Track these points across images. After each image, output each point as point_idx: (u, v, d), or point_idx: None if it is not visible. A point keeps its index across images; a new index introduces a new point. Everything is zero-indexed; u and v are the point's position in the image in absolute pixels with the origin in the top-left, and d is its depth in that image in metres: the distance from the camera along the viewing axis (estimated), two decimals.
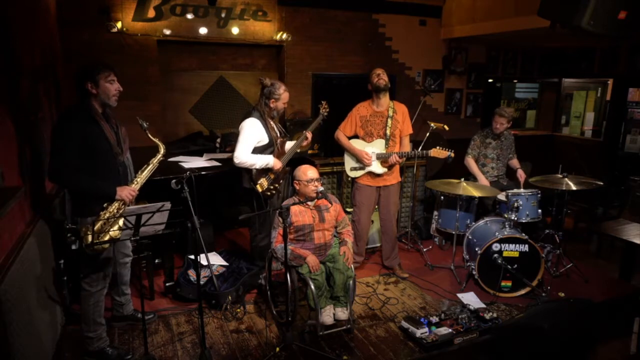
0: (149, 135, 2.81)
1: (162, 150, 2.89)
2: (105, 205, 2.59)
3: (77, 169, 2.50)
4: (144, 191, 2.82)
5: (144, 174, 2.80)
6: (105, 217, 2.54)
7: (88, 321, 2.76)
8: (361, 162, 3.83)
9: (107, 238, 2.54)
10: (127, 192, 2.64)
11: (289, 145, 3.72)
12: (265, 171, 3.53)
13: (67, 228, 2.93)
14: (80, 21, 4.38)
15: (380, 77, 3.73)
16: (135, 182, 2.75)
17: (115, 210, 2.59)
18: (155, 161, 2.86)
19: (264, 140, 3.51)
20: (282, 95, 3.51)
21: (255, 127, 3.47)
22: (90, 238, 2.48)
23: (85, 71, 2.55)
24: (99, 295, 2.77)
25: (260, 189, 3.51)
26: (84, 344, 2.80)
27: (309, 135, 3.66)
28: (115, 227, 2.55)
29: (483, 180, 4.46)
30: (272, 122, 3.60)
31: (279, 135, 3.64)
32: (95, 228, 2.50)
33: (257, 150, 3.51)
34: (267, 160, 3.47)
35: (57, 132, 2.53)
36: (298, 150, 3.84)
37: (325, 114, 3.79)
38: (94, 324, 2.77)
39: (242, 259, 3.97)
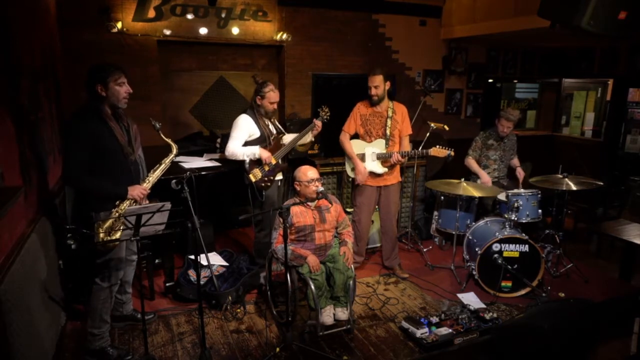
0: (162, 136, 2.84)
1: (174, 150, 2.92)
2: (117, 203, 2.63)
3: (88, 171, 2.53)
4: (155, 190, 2.84)
5: (155, 173, 2.83)
6: (116, 215, 2.57)
7: (95, 317, 2.77)
8: (355, 174, 3.85)
9: (117, 235, 2.58)
10: (138, 191, 2.67)
11: (287, 139, 3.74)
12: (259, 162, 3.58)
13: (67, 228, 2.93)
14: (80, 21, 4.38)
15: (372, 92, 3.71)
16: (147, 181, 2.78)
17: (126, 209, 2.61)
18: (167, 161, 2.89)
19: (256, 134, 3.59)
20: (267, 93, 3.55)
21: (245, 122, 3.57)
22: (101, 235, 2.52)
23: (95, 73, 2.55)
24: (110, 291, 2.79)
25: (253, 179, 3.56)
26: (86, 340, 2.80)
27: (319, 122, 3.68)
28: (123, 227, 2.57)
29: (485, 177, 4.40)
30: (265, 120, 3.66)
31: (273, 132, 3.69)
32: (106, 225, 2.55)
33: (250, 145, 3.58)
34: (254, 150, 3.54)
35: (67, 135, 2.56)
36: (312, 139, 3.85)
37: (326, 118, 3.80)
38: (101, 320, 2.78)
39: (242, 259, 3.97)
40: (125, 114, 2.76)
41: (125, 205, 2.63)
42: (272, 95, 3.57)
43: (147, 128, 2.84)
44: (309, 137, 3.79)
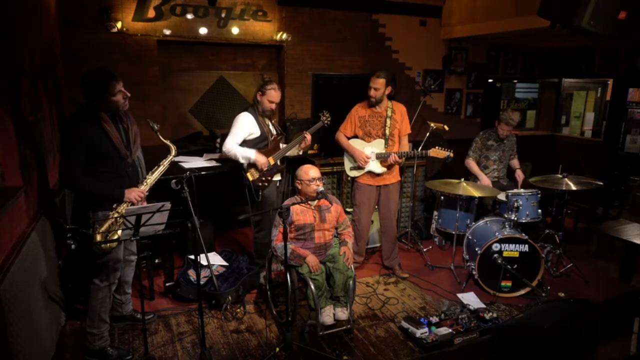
0: (160, 137, 2.84)
1: (173, 152, 2.91)
2: (114, 206, 2.62)
3: (85, 173, 2.52)
4: (155, 190, 2.83)
5: (154, 175, 2.82)
6: (114, 217, 2.57)
7: (93, 317, 2.76)
8: (359, 163, 3.83)
9: (117, 236, 2.58)
10: (135, 194, 2.66)
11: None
12: None
13: (67, 228, 2.93)
14: (80, 21, 4.38)
15: (371, 92, 3.70)
16: (145, 184, 2.77)
17: (123, 211, 2.60)
18: (166, 162, 2.88)
19: (256, 133, 3.57)
20: (268, 91, 3.52)
21: (246, 119, 3.56)
22: (98, 237, 2.52)
23: (91, 91, 2.50)
24: (108, 290, 2.79)
25: (251, 178, 3.56)
26: (86, 341, 2.80)
27: (308, 136, 3.67)
28: (123, 227, 2.57)
29: (485, 180, 4.43)
30: (266, 119, 3.65)
31: (273, 133, 3.68)
32: (103, 228, 2.54)
33: (250, 144, 3.57)
34: (249, 155, 3.50)
35: (64, 137, 2.56)
36: (299, 152, 3.85)
37: (327, 122, 3.80)
38: (99, 320, 2.78)
39: (242, 259, 3.97)
40: (127, 114, 2.73)
41: (122, 208, 2.62)
42: (272, 93, 3.53)
43: (148, 128, 2.83)
44: (296, 150, 3.77)
